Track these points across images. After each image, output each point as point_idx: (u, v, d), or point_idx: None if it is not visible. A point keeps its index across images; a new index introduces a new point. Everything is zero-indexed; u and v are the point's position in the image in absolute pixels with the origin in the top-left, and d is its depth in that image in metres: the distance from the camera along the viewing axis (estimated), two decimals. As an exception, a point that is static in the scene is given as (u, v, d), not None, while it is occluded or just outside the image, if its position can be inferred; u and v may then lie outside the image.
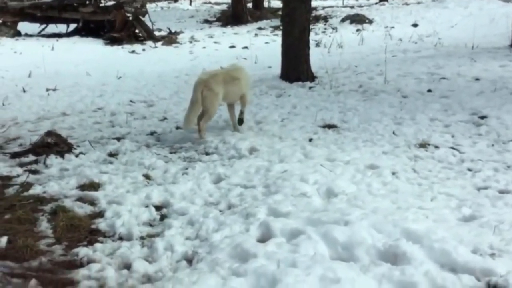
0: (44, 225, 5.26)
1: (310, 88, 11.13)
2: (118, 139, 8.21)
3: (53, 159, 7.22)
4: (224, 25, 28.07)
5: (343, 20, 25.47)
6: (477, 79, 10.95)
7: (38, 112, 10.35)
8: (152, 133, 8.47)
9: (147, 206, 5.53)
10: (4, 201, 5.96)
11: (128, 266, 4.39)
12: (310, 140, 7.58)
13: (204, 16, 32.04)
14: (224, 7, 35.57)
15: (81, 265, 4.50)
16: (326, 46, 18.10)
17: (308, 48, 11.82)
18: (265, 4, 33.84)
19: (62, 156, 7.30)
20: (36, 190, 6.21)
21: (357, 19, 24.93)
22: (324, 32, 23.80)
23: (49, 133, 7.61)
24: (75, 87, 12.54)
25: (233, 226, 4.81)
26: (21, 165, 7.16)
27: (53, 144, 7.39)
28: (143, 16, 23.69)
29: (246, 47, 19.53)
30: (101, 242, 4.87)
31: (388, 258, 4.11)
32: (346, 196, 5.35)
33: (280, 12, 30.17)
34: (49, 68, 15.20)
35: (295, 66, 11.65)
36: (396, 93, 10.12)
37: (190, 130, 8.21)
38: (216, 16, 31.93)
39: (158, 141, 8.06)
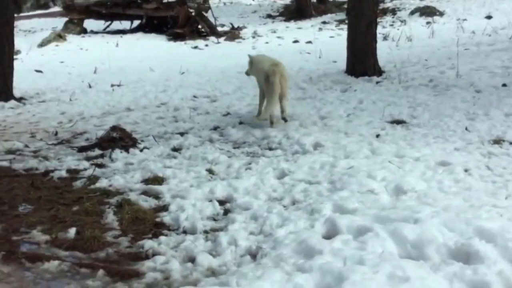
0: (110, 217, 5.43)
1: (377, 82, 11.01)
2: (182, 134, 8.36)
3: (118, 153, 7.42)
4: (288, 19, 28.03)
5: (412, 13, 25.00)
6: (556, 74, 10.58)
7: (103, 107, 10.65)
8: (215, 128, 8.57)
9: (210, 201, 5.62)
10: (72, 194, 6.19)
11: (192, 260, 4.48)
12: (378, 136, 7.51)
13: (267, 11, 32.13)
14: (287, 1, 35.56)
15: (146, 257, 4.62)
16: (394, 40, 17.84)
17: (375, 41, 11.69)
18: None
19: (127, 151, 7.49)
20: (102, 183, 6.41)
21: (427, 11, 24.41)
22: (392, 25, 23.43)
23: (114, 128, 7.82)
24: (139, 83, 12.83)
25: (297, 222, 4.82)
26: (88, 158, 7.40)
27: (118, 139, 7.59)
28: (206, 11, 24.01)
29: (310, 42, 19.48)
30: (166, 235, 4.98)
31: (459, 257, 4.03)
32: (415, 194, 5.28)
33: (345, 6, 30.18)
34: (113, 64, 15.61)
35: (362, 60, 11.54)
36: (469, 88, 9.89)
37: (253, 125, 8.32)
38: (279, 10, 31.95)
39: (221, 136, 8.15)
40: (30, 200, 6.04)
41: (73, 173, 6.90)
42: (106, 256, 4.69)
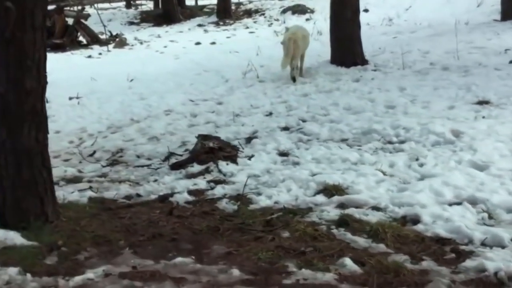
0: (360, 240, 4.14)
1: (374, 71, 10.31)
2: (252, 138, 7.02)
3: (224, 166, 5.96)
4: (157, 25, 26.46)
5: (284, 12, 24.75)
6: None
7: (99, 121, 8.80)
8: (286, 128, 7.37)
9: (459, 204, 4.53)
10: (238, 218, 4.77)
11: None
12: (484, 117, 6.84)
13: (124, 19, 30.12)
14: (139, 9, 33.94)
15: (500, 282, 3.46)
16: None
17: (360, 29, 11.01)
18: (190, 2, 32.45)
19: (234, 161, 6.05)
20: (260, 201, 5.09)
21: (299, 10, 24.37)
22: (271, 24, 23.05)
23: (206, 137, 6.31)
24: (97, 94, 10.82)
25: None
26: (189, 176, 5.89)
27: (218, 149, 6.09)
28: (86, 19, 21.73)
29: (213, 43, 18.51)
30: (473, 252, 3.83)
31: None
32: None
33: (206, 9, 29.37)
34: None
35: (350, 50, 10.80)
36: (484, 67, 9.55)
37: (321, 121, 7.32)
38: (137, 17, 30.15)
39: (307, 135, 6.99)
40: (201, 233, 4.54)
41: (199, 195, 5.43)
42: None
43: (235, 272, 3.75)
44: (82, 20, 21.48)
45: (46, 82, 4.79)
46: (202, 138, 6.32)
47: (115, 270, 3.90)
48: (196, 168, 5.99)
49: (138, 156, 6.85)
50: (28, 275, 3.80)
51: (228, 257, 4.05)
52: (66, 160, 6.90)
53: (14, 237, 4.38)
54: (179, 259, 4.01)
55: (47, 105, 9.78)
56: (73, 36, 20.86)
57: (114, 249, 4.30)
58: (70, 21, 21.21)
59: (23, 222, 4.58)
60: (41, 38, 4.67)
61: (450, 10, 19.02)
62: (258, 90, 9.80)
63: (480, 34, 13.03)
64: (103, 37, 21.85)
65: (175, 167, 6.05)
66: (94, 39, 21.02)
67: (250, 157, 6.17)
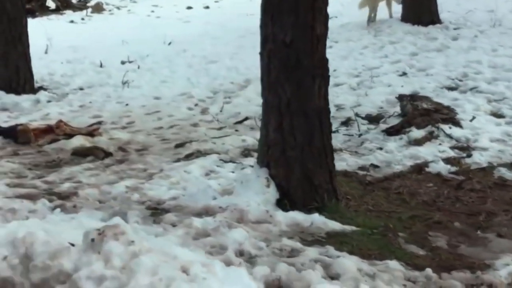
0: None
1: (455, 29, 9.56)
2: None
3: (448, 129, 5.06)
4: (120, -9, 24.73)
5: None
6: None
7: (193, 85, 7.69)
8: (452, 88, 6.60)
9: None
10: None
11: None
12: None
13: (73, -15, 28.06)
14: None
15: None
16: None
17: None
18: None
19: (457, 124, 5.15)
20: None
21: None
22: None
23: (414, 98, 5.36)
24: (149, 58, 9.48)
25: None
26: (413, 142, 4.98)
27: (433, 111, 5.15)
28: (55, -18, 19.79)
29: (207, 7, 17.48)
30: None
31: None
32: None
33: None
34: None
35: (427, 8, 9.98)
36: None
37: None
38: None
39: (488, 94, 6.24)
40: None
41: (456, 164, 4.52)
42: None
43: None
44: (52, -16, 19.56)
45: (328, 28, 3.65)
46: (411, 99, 5.35)
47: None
48: (416, 133, 5.03)
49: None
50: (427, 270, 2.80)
51: None
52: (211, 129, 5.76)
53: (323, 220, 3.34)
54: None
55: (103, 69, 8.73)
56: (42, 0, 18.99)
57: (463, 231, 3.39)
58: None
59: (315, 201, 3.51)
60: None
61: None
62: (346, 51, 8.85)
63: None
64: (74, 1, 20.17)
65: (391, 132, 5.07)
66: (64, 4, 19.22)
67: (471, 119, 5.26)
